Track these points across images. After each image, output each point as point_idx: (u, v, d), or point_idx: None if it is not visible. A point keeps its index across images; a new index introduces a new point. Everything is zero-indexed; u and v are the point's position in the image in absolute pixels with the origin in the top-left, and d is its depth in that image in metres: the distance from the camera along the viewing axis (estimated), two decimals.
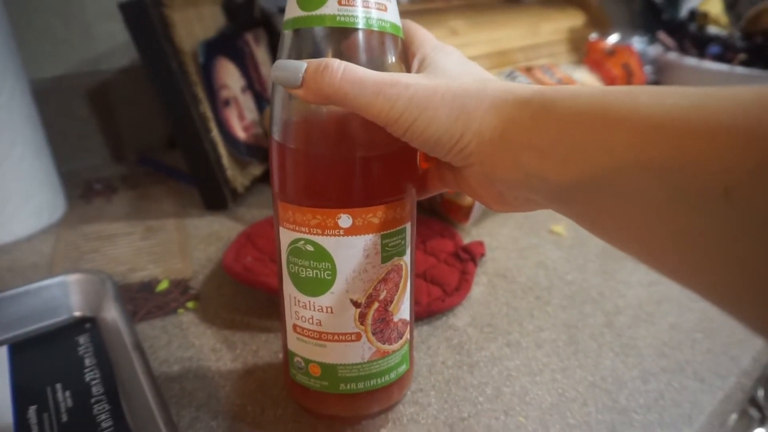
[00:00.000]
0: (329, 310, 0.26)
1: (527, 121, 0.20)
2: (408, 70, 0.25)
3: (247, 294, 0.42)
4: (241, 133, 0.58)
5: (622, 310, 0.41)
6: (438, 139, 0.22)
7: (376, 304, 0.26)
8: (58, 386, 0.32)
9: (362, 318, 0.26)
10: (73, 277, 0.38)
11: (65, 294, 0.38)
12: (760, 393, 0.54)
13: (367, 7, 0.23)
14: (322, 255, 0.25)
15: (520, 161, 0.20)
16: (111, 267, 0.45)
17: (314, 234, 0.25)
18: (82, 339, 0.36)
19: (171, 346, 0.36)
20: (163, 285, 0.43)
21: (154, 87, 0.51)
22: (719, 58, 0.66)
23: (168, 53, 0.49)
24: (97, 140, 0.68)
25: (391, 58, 0.24)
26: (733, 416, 0.51)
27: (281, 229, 0.26)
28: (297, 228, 0.25)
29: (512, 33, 0.73)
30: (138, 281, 0.43)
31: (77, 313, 0.38)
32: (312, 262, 0.25)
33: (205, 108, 0.51)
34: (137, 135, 0.70)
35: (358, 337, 0.26)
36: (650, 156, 0.15)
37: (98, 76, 0.65)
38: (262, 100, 0.63)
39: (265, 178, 0.61)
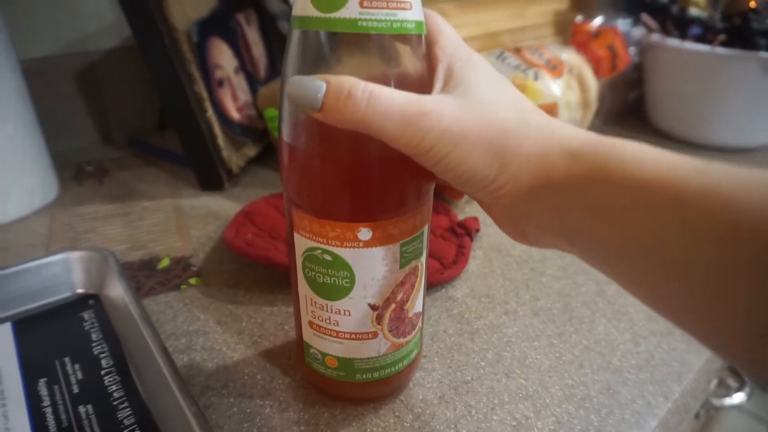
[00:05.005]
0: (347, 312, 0.26)
1: (579, 179, 0.19)
2: (431, 71, 0.22)
3: (248, 269, 0.42)
4: (235, 114, 0.58)
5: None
6: (471, 178, 0.20)
7: (393, 306, 0.26)
8: (67, 359, 0.32)
9: (379, 319, 0.26)
10: (74, 255, 0.38)
11: (67, 271, 0.38)
12: None
13: (392, 8, 0.20)
14: (340, 264, 0.24)
15: (565, 217, 0.19)
16: (109, 246, 0.45)
17: (333, 245, 0.24)
18: (87, 315, 0.36)
19: (177, 320, 0.37)
20: (164, 262, 0.43)
21: (148, 66, 0.51)
22: (700, 39, 0.68)
23: (162, 30, 0.48)
24: (85, 123, 0.67)
25: (415, 62, 0.22)
26: (714, 382, 0.54)
27: (296, 234, 0.25)
28: (314, 237, 0.24)
29: (499, 15, 0.74)
30: (138, 259, 0.44)
31: (80, 290, 0.38)
32: (330, 270, 0.25)
33: (200, 88, 0.51)
34: (126, 118, 0.69)
35: (375, 335, 0.27)
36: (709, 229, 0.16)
37: (86, 57, 0.64)
38: (254, 81, 0.63)
39: (259, 158, 0.61)
